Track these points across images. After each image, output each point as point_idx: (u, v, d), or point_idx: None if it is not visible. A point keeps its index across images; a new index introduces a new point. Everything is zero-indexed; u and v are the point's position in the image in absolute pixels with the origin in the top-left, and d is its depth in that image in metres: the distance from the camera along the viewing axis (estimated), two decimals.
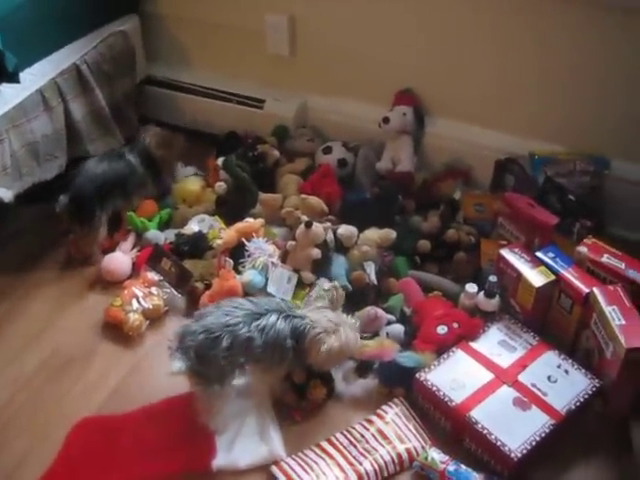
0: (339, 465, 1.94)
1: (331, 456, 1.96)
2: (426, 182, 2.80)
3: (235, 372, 2.01)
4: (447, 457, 1.93)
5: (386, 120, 2.77)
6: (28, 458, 2.01)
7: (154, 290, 2.42)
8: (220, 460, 1.97)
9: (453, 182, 2.77)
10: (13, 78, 2.46)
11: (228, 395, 2.06)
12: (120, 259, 2.56)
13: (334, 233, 2.48)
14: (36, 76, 2.59)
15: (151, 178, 2.77)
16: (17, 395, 2.18)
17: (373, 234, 2.45)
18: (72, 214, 2.52)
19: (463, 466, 1.91)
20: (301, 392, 2.11)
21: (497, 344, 2.17)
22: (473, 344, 2.17)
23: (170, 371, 2.13)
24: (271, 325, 1.96)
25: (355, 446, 1.98)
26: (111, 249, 2.61)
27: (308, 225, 2.41)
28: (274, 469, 1.94)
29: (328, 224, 2.49)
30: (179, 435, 2.04)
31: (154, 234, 2.64)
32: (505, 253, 2.28)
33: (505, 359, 2.12)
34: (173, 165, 2.90)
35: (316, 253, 2.41)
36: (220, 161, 2.80)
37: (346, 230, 2.47)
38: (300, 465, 1.94)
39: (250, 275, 2.38)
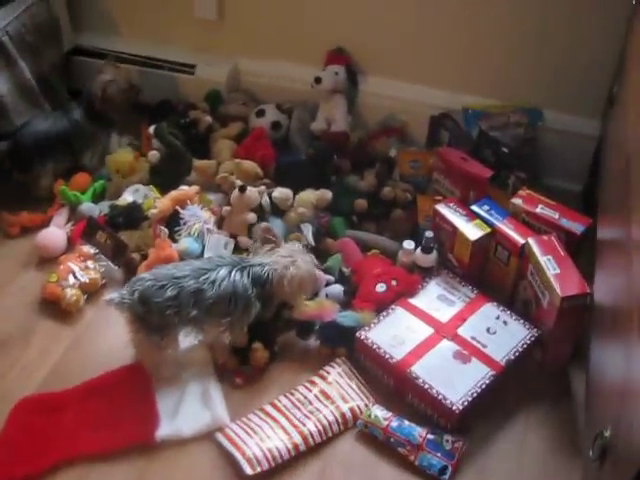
0: (283, 428, 1.93)
1: (275, 419, 1.96)
2: (361, 141, 2.79)
3: (179, 326, 2.01)
4: (390, 414, 1.95)
5: (318, 80, 2.74)
6: None
7: (90, 264, 2.37)
8: (164, 430, 1.96)
9: (388, 140, 2.76)
10: None
11: (169, 349, 2.06)
12: (54, 234, 2.50)
13: (269, 196, 2.46)
14: None
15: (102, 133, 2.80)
16: None
17: (309, 195, 2.44)
18: (12, 162, 2.62)
19: (406, 422, 1.93)
20: (243, 357, 2.10)
21: (436, 299, 2.19)
22: (412, 300, 2.18)
23: (104, 299, 2.07)
24: (222, 278, 1.98)
25: (299, 408, 1.99)
26: (45, 224, 2.55)
27: (242, 189, 2.39)
28: (219, 436, 1.93)
29: (263, 188, 2.47)
30: (121, 408, 2.02)
31: (88, 207, 2.58)
32: (441, 208, 2.29)
33: (444, 313, 2.14)
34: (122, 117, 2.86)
35: (252, 217, 2.39)
36: (152, 129, 2.75)
37: (281, 193, 2.45)
38: (244, 430, 1.93)
39: (186, 243, 2.36)
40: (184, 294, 1.94)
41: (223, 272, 2.00)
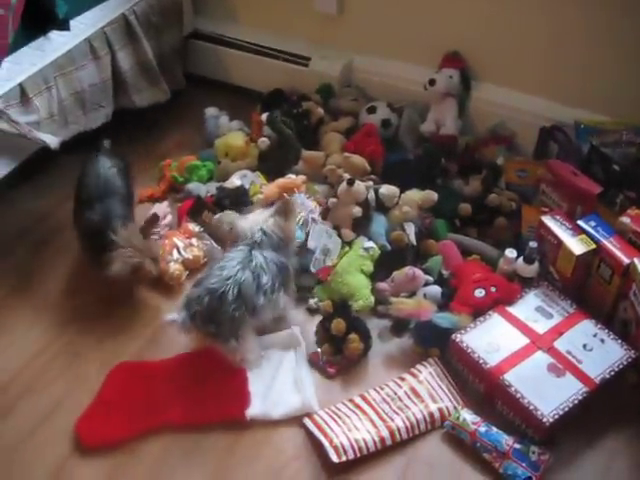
0: (371, 420, 1.96)
1: (363, 411, 1.99)
2: (469, 146, 2.78)
3: (247, 320, 2.03)
4: (479, 418, 1.95)
5: (432, 82, 2.75)
6: (64, 402, 2.06)
7: (194, 241, 2.45)
8: (254, 409, 2.00)
9: (496, 147, 2.74)
10: (63, 25, 2.49)
11: (250, 344, 2.09)
12: (163, 209, 2.57)
13: (376, 192, 2.48)
14: (85, 25, 2.61)
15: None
16: (54, 341, 2.23)
17: (414, 195, 2.45)
18: None
19: (494, 428, 1.93)
20: (338, 347, 2.13)
21: (534, 310, 2.17)
22: (510, 309, 2.17)
23: (165, 319, 2.05)
24: (263, 260, 2.04)
25: (388, 403, 2.01)
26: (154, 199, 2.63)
27: (350, 183, 2.41)
28: (307, 421, 1.97)
29: (370, 183, 2.50)
30: (213, 384, 2.07)
31: (196, 186, 2.66)
32: (547, 220, 2.27)
33: (541, 325, 2.12)
34: None
35: (357, 211, 2.41)
36: (264, 117, 2.80)
37: (388, 190, 2.47)
38: (332, 418, 1.96)
39: None
40: (245, 287, 1.98)
41: (259, 255, 2.05)
